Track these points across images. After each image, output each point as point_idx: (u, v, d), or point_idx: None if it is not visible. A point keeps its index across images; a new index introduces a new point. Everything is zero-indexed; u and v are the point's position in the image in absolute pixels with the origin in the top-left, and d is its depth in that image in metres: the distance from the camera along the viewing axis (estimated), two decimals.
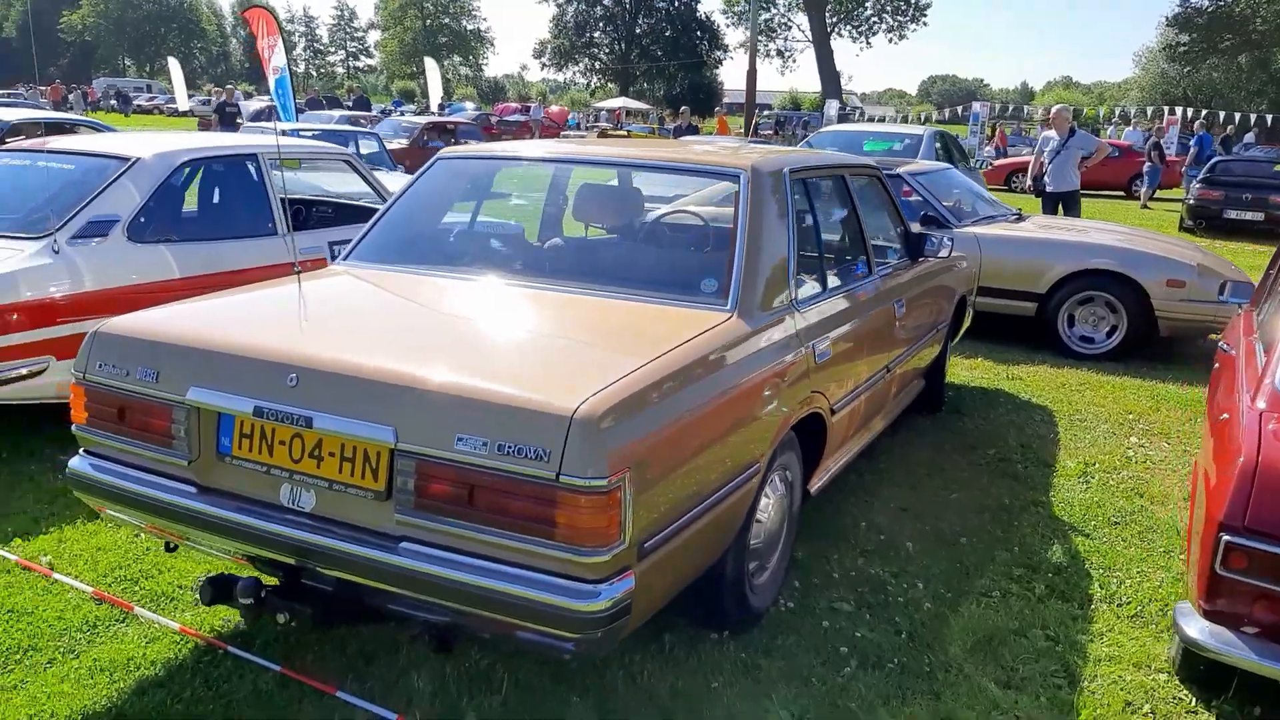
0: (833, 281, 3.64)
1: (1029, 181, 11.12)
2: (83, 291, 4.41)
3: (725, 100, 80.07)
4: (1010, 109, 42.70)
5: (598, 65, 76.88)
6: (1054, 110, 11.03)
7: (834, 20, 57.09)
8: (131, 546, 3.61)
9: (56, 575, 3.36)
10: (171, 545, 2.96)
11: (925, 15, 57.40)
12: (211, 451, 2.62)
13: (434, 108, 41.36)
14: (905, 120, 54.35)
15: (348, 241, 5.70)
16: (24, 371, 4.24)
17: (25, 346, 4.23)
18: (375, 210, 6.18)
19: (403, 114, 33.39)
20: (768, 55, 60.25)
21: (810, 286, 3.42)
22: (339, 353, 2.51)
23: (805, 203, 3.56)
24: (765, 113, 54.97)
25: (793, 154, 3.86)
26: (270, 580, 2.62)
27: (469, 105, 46.23)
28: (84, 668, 2.83)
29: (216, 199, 5.37)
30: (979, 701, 2.80)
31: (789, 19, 59.46)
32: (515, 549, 2.23)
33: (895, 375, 4.29)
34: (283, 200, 5.45)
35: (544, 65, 76.46)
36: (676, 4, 73.18)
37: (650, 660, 2.92)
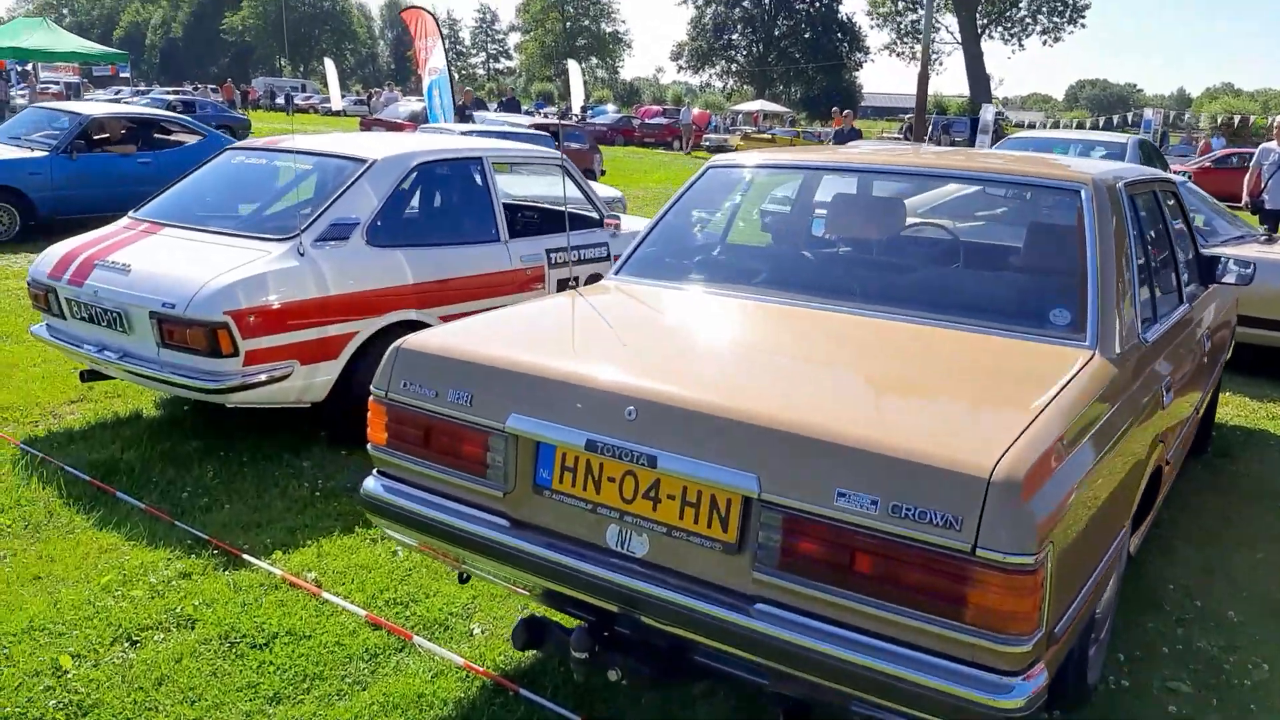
0: (1162, 312, 3.23)
1: (1245, 197, 10.29)
2: (326, 295, 4.36)
3: (862, 103, 78.52)
4: (1186, 117, 40.37)
5: (734, 68, 76.50)
6: (1278, 121, 10.17)
7: (984, 22, 55.21)
8: (394, 565, 3.49)
9: (326, 595, 3.26)
10: (465, 576, 2.80)
11: (1084, 16, 54.89)
12: (528, 483, 2.42)
13: (575, 109, 41.75)
14: (1056, 126, 52.17)
15: (563, 250, 5.61)
16: (269, 376, 4.20)
17: (272, 350, 4.20)
18: (588, 217, 6.10)
19: (545, 115, 33.80)
20: (913, 57, 58.61)
21: (1148, 318, 3.03)
22: (685, 387, 2.26)
23: (1136, 222, 3.17)
24: (906, 116, 53.57)
25: (1120, 166, 3.46)
26: (572, 623, 2.42)
27: (610, 107, 46.51)
28: (375, 703, 2.68)
29: (443, 203, 5.29)
30: None
31: (937, 20, 57.70)
32: (905, 625, 1.94)
33: (1196, 417, 3.84)
34: (504, 205, 5.36)
35: (680, 68, 76.67)
36: (817, 5, 72.13)
37: None
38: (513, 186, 6.86)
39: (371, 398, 2.71)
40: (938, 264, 3.43)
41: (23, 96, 26.59)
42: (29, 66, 28.50)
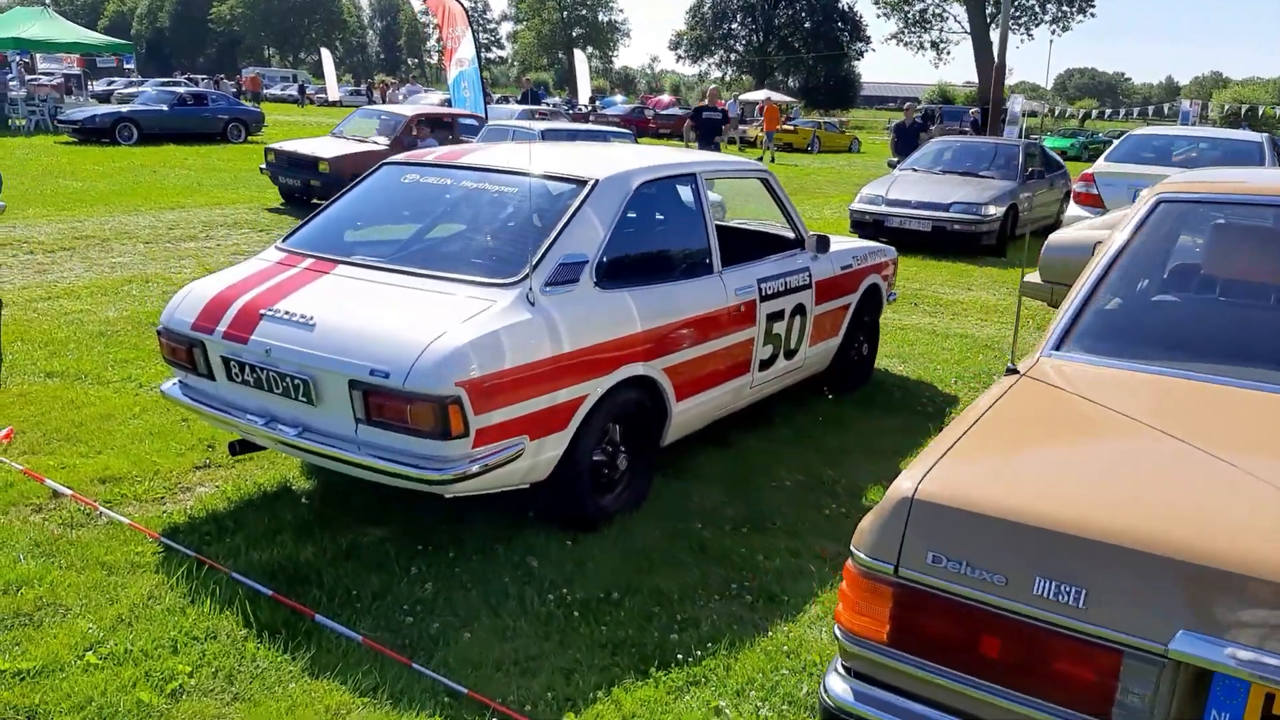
0: None
1: None
2: (560, 353, 3.46)
3: (862, 93, 77.68)
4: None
5: (733, 57, 75.42)
6: None
7: (993, 10, 54.31)
8: None
9: None
10: None
11: (1093, 5, 54.12)
12: None
13: (582, 101, 40.75)
14: (1053, 115, 51.36)
15: (772, 279, 4.70)
16: (500, 459, 3.29)
17: (503, 426, 3.29)
18: (786, 238, 5.19)
19: (551, 105, 32.57)
20: (921, 48, 57.78)
21: None
22: None
23: None
24: (919, 106, 52.61)
25: None
26: None
27: (619, 98, 45.37)
28: None
29: (660, 229, 4.37)
30: None
31: (944, 9, 56.86)
32: None
33: None
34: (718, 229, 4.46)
35: (679, 57, 75.48)
36: None
37: None
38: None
39: (857, 569, 1.82)
40: None
41: (18, 89, 25.37)
42: (28, 58, 27.33)
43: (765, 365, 4.74)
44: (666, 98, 46.87)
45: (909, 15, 57.19)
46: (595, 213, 3.76)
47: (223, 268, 4.12)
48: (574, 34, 77.01)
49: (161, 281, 8.08)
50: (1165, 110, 30.49)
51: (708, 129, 13.26)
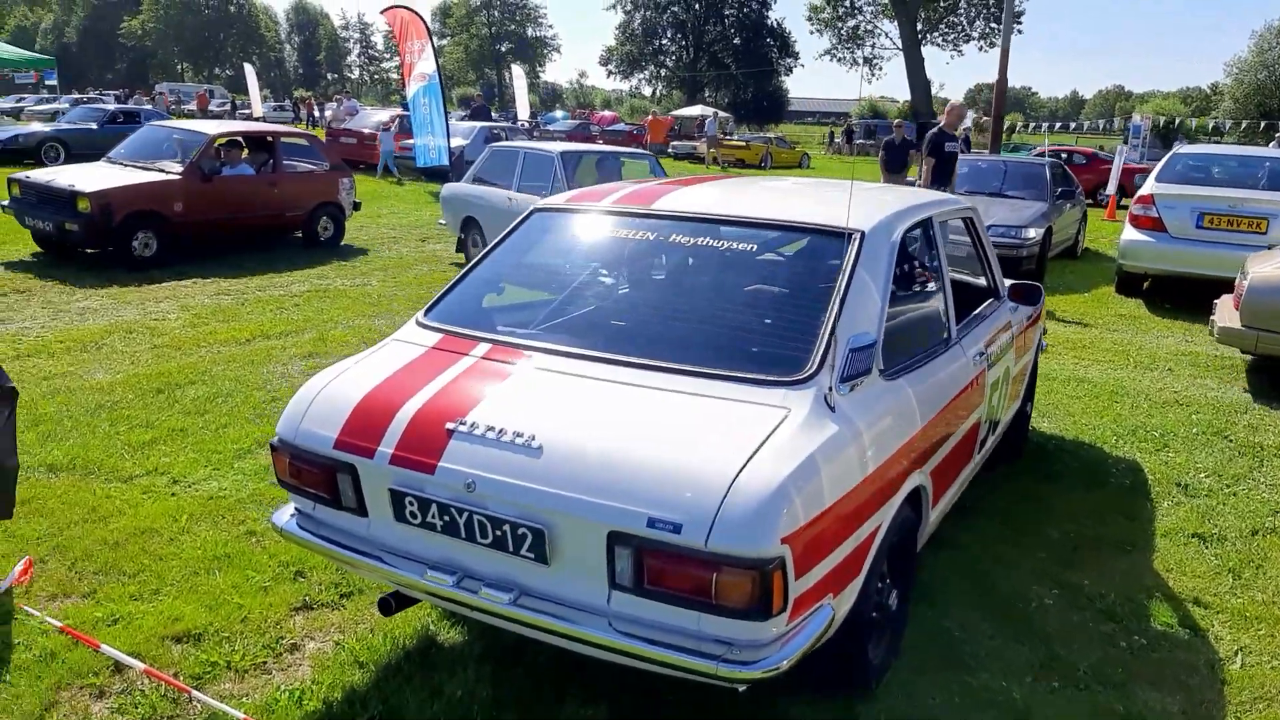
0: None
1: None
2: (868, 474, 2.53)
3: (790, 108, 77.98)
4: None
5: (663, 73, 75.08)
6: None
7: (924, 28, 54.94)
8: None
9: None
10: None
11: (1020, 21, 55.01)
12: None
13: (523, 117, 39.60)
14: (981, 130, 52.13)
15: (992, 341, 3.86)
16: (816, 633, 2.34)
17: (813, 590, 2.35)
18: (982, 287, 4.35)
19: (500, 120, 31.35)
20: (854, 63, 58.17)
21: None
22: None
23: None
24: (855, 121, 52.84)
25: None
26: None
27: (559, 114, 44.27)
28: None
29: (908, 291, 3.44)
30: None
31: (875, 25, 57.38)
32: None
33: None
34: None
35: (610, 73, 74.80)
36: (746, 11, 71.27)
37: None
38: None
39: None
40: None
41: None
42: None
43: (983, 444, 3.89)
44: (609, 113, 45.92)
45: (842, 31, 57.54)
46: (870, 277, 2.84)
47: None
48: (502, 49, 75.75)
49: (147, 332, 6.89)
50: (1110, 124, 30.85)
51: (944, 165, 9.95)
